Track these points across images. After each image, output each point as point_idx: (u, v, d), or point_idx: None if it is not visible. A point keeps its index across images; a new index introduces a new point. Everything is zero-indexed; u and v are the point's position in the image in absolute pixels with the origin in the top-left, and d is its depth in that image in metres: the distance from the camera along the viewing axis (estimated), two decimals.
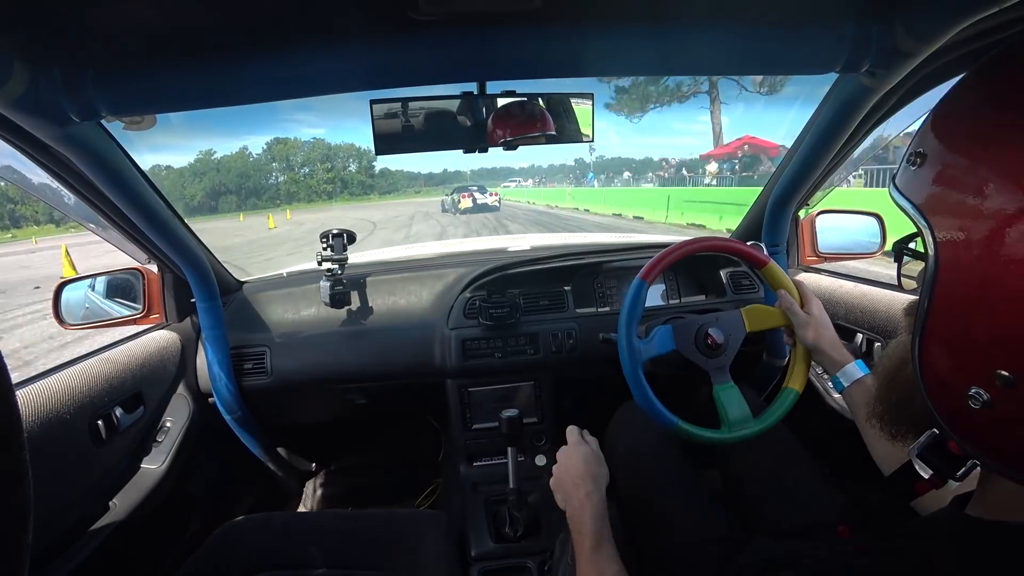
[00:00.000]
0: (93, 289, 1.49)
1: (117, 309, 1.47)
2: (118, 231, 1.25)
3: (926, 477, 0.49)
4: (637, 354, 1.05)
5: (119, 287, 1.49)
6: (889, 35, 0.83)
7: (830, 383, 1.30)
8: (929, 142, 0.46)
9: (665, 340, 1.08)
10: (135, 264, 1.43)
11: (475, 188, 24.03)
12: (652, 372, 1.07)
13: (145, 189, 1.14)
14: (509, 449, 1.24)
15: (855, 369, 0.94)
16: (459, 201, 22.55)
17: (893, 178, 0.50)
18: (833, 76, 1.02)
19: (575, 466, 0.91)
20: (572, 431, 1.00)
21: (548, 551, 1.11)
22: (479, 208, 22.31)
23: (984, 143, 0.41)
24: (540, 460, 1.52)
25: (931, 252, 0.44)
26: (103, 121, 0.95)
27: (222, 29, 0.81)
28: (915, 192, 0.47)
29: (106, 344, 1.27)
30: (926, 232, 0.44)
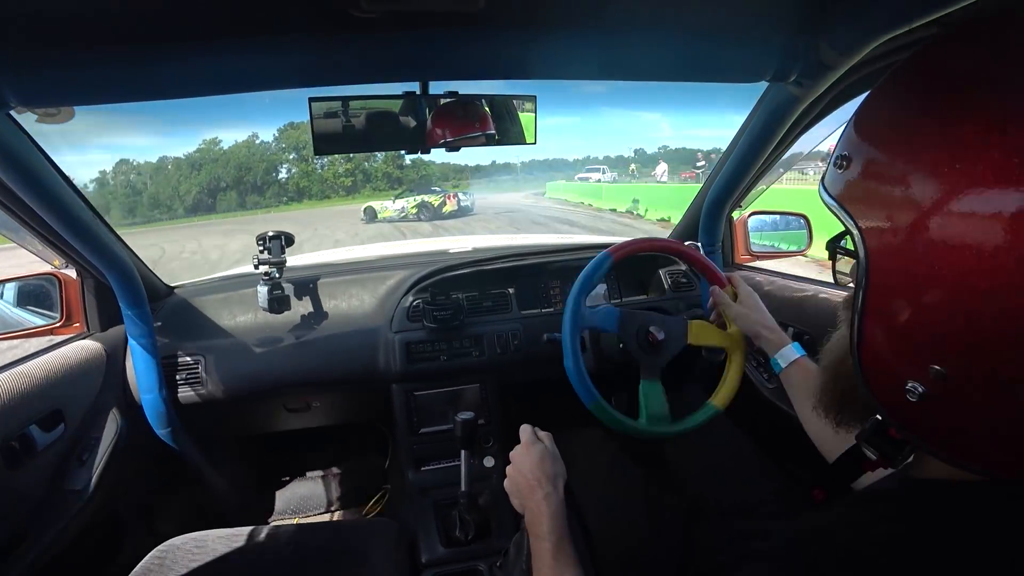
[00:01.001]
0: (1, 297, 1.37)
1: (30, 319, 1.36)
2: (31, 233, 1.16)
3: (873, 459, 0.52)
4: (580, 319, 1.07)
5: (32, 294, 1.38)
6: (814, 48, 0.89)
7: (765, 374, 1.38)
8: (852, 144, 0.49)
9: (610, 319, 1.10)
10: (50, 269, 1.32)
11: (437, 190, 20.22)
12: (592, 368, 1.09)
13: (62, 187, 1.05)
14: (463, 452, 1.23)
15: (791, 351, 0.97)
16: (430, 205, 18.08)
17: (822, 180, 0.53)
18: (764, 85, 1.08)
19: (531, 466, 0.88)
20: (525, 429, 0.97)
21: (503, 551, 1.11)
22: (464, 211, 18.35)
23: (901, 140, 0.44)
24: (488, 461, 1.52)
25: (860, 249, 0.46)
26: (12, 112, 0.88)
27: (147, 17, 0.75)
28: (841, 192, 0.49)
29: (19, 357, 1.17)
30: (853, 229, 0.47)
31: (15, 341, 1.36)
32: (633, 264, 1.66)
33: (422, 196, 18.57)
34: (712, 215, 1.52)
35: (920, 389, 0.42)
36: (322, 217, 22.35)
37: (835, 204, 0.49)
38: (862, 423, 0.53)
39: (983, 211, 0.37)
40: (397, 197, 19.35)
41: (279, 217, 28.15)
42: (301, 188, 49.60)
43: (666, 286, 1.68)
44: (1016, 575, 0.38)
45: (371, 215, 18.85)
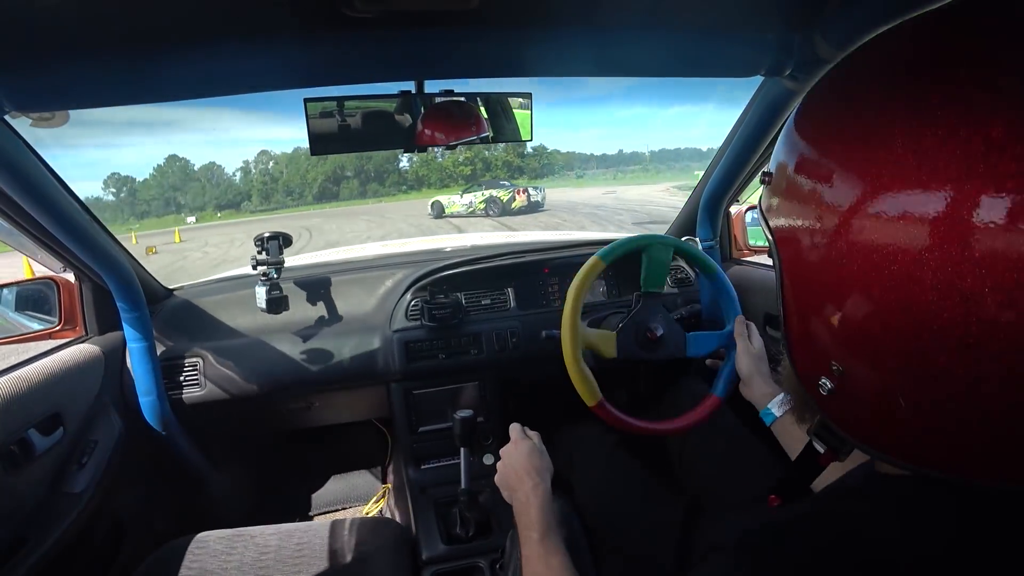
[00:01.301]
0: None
1: (27, 323, 1.36)
2: (28, 238, 1.15)
3: (822, 452, 0.54)
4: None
5: (30, 299, 1.38)
6: (809, 42, 0.90)
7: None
8: (775, 158, 0.51)
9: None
10: (48, 273, 1.32)
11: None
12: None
13: (58, 191, 1.05)
14: (462, 450, 1.23)
15: (784, 400, 0.95)
16: (498, 201, 17.04)
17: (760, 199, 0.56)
18: (759, 79, 1.08)
19: (519, 462, 0.92)
20: (514, 428, 1.01)
21: (500, 548, 1.11)
22: (533, 207, 17.07)
23: (822, 146, 0.45)
24: (488, 459, 1.53)
25: (774, 255, 0.50)
26: (7, 117, 0.88)
27: (141, 19, 0.75)
28: (764, 203, 0.53)
29: (18, 361, 1.16)
30: (769, 236, 0.51)
31: (13, 345, 1.35)
32: (632, 261, 1.66)
33: (490, 191, 17.84)
34: (710, 210, 1.52)
35: (828, 384, 0.46)
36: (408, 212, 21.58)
37: (760, 216, 0.54)
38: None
39: (889, 215, 0.38)
40: (465, 192, 18.63)
41: (393, 207, 27.96)
42: (420, 176, 49.26)
43: (667, 283, 1.68)
44: (952, 566, 0.39)
45: (438, 210, 18.43)
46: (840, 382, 0.45)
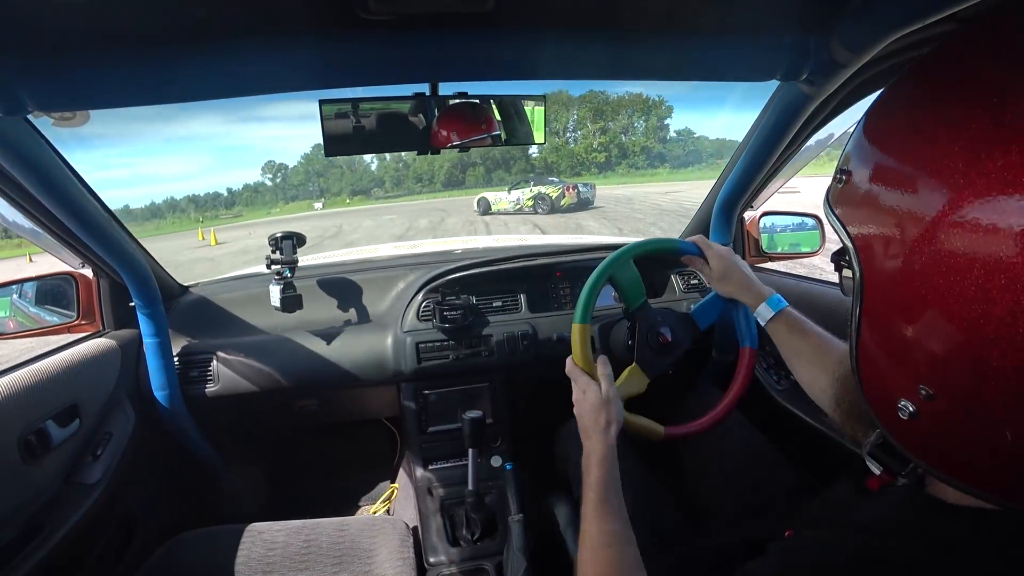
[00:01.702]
0: (20, 296, 1.40)
1: (47, 317, 1.39)
2: (48, 234, 1.18)
3: (877, 473, 0.51)
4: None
5: (49, 293, 1.41)
6: (825, 46, 0.88)
7: (775, 376, 1.37)
8: (854, 154, 0.48)
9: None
10: (66, 268, 1.35)
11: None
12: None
13: (77, 189, 1.07)
14: (471, 451, 1.23)
15: (770, 306, 0.95)
16: (547, 197, 16.30)
17: (827, 195, 0.52)
18: (775, 83, 1.07)
19: (586, 412, 0.88)
20: (604, 362, 0.95)
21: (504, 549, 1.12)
22: (583, 204, 16.62)
23: (904, 148, 0.43)
24: (496, 461, 1.52)
25: (855, 264, 0.46)
26: (30, 116, 0.90)
27: (160, 21, 0.77)
28: (840, 207, 0.49)
29: (37, 354, 1.19)
30: (848, 243, 0.47)
31: (33, 339, 1.38)
32: (643, 267, 1.65)
33: (539, 187, 16.96)
34: (723, 215, 1.51)
35: (911, 408, 0.42)
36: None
37: (834, 218, 0.49)
38: (868, 433, 0.53)
39: (986, 225, 0.35)
40: (512, 188, 17.66)
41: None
42: (549, 164, 46.21)
43: (678, 289, 1.67)
44: None
45: (484, 207, 17.60)
46: (927, 407, 0.41)
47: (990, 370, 0.36)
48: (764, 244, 1.66)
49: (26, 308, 1.41)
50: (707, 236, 1.58)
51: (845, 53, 0.86)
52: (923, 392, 0.40)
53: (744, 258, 1.67)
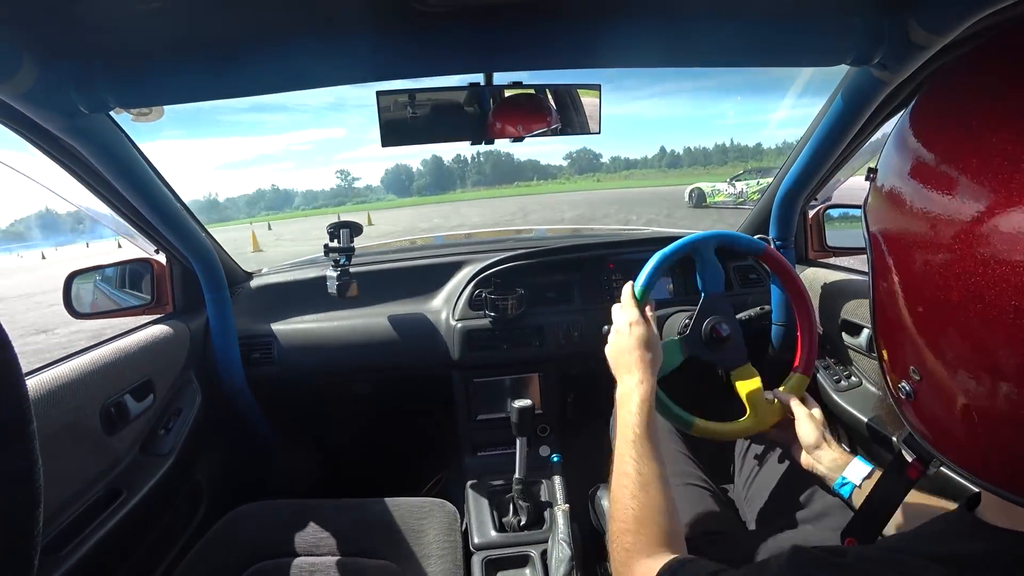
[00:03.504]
0: (102, 279, 1.50)
1: (126, 299, 1.49)
2: (126, 222, 1.27)
3: (909, 460, 0.55)
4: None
5: (129, 277, 1.51)
6: (901, 27, 0.82)
7: (835, 377, 1.31)
8: (884, 155, 0.49)
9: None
10: (144, 255, 1.44)
11: None
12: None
13: (153, 180, 1.15)
14: (519, 440, 1.24)
15: (860, 466, 0.84)
16: None
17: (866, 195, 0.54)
18: (843, 69, 1.01)
19: (630, 346, 0.87)
20: (628, 299, 0.95)
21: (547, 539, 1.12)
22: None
23: (946, 146, 0.42)
24: (544, 450, 1.53)
25: (868, 255, 0.50)
26: (111, 113, 0.96)
27: (228, 22, 0.81)
28: (867, 202, 0.52)
29: (118, 333, 1.28)
30: (865, 235, 0.51)
31: (112, 318, 1.48)
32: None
33: (767, 180, 15.49)
34: (785, 208, 1.44)
35: (907, 388, 0.46)
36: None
37: (862, 214, 0.53)
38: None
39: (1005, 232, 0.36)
40: (735, 179, 15.72)
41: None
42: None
43: (734, 281, 1.62)
44: None
45: (698, 198, 15.83)
46: (919, 387, 0.45)
47: (961, 350, 0.40)
48: (828, 238, 1.58)
49: (108, 291, 1.51)
50: (766, 230, 1.52)
51: (924, 34, 0.80)
52: (913, 372, 0.45)
53: (807, 254, 1.60)
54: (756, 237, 1.12)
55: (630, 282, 1.00)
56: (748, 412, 1.03)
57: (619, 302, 1.00)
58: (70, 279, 1.38)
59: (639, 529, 0.67)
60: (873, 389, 1.24)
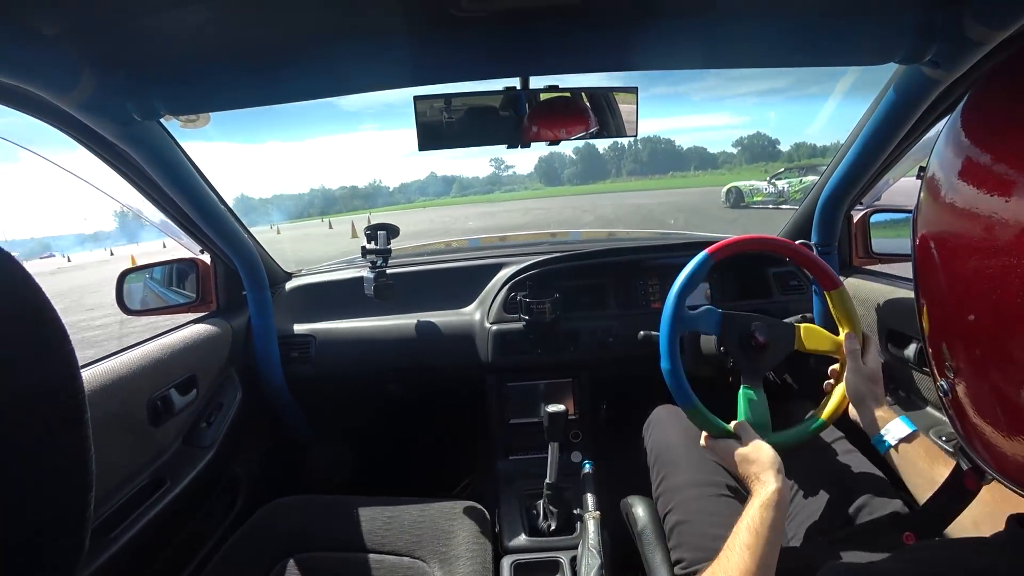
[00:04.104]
0: (152, 278, 1.56)
1: (174, 297, 1.55)
2: (175, 223, 1.32)
3: (964, 468, 0.55)
4: (679, 321, 1.02)
5: (176, 276, 1.57)
6: (955, 22, 0.78)
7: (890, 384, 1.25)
8: (934, 155, 0.48)
9: (711, 321, 1.05)
10: (190, 255, 1.50)
11: None
12: (690, 369, 1.04)
13: (199, 184, 1.19)
14: (551, 445, 1.24)
15: (901, 426, 0.86)
16: None
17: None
18: (892, 67, 0.97)
19: (772, 457, 0.87)
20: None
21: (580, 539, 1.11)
22: None
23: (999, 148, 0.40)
24: (576, 456, 1.52)
25: (912, 253, 0.49)
26: (162, 120, 1.01)
27: (272, 31, 0.84)
28: (917, 201, 0.50)
29: (165, 330, 1.33)
30: (913, 237, 0.49)
31: (160, 315, 1.54)
32: (739, 263, 1.57)
33: (810, 177, 13.24)
34: (828, 211, 1.39)
35: (945, 386, 0.46)
36: None
37: (911, 217, 0.51)
38: None
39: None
40: (775, 178, 14.97)
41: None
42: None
43: (774, 288, 1.58)
44: None
45: (736, 198, 15.07)
46: (951, 384, 0.44)
47: (996, 351, 0.39)
48: (873, 244, 1.52)
49: (156, 289, 1.58)
50: (808, 235, 1.48)
51: (980, 29, 0.76)
52: (950, 369, 0.44)
53: (851, 259, 1.54)
54: (798, 242, 1.09)
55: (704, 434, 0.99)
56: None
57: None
58: (122, 277, 1.44)
59: None
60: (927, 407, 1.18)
